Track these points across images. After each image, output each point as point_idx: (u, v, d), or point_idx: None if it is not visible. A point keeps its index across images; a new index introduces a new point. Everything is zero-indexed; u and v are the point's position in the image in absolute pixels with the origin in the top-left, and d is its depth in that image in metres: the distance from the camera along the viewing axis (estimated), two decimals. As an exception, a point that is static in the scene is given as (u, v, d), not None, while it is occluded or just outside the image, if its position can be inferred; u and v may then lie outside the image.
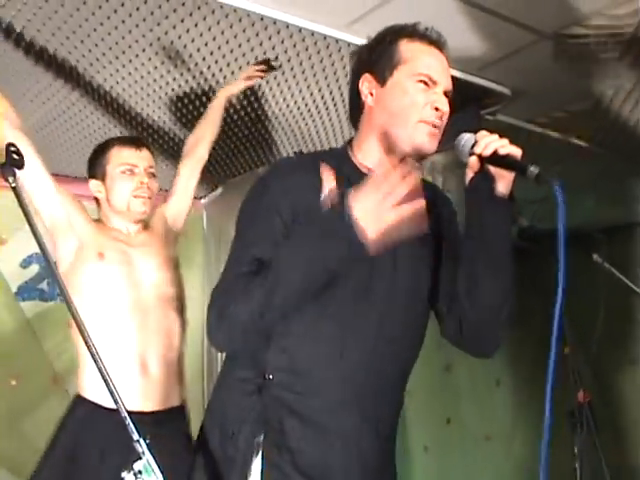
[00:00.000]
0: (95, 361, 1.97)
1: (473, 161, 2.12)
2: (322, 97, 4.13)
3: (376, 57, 2.29)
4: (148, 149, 3.48)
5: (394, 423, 2.41)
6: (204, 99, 4.05)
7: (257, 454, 2.12)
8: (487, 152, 2.10)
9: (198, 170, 3.76)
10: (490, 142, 2.10)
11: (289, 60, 3.66)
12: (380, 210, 1.88)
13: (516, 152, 2.10)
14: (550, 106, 4.34)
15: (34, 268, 4.99)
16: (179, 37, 3.42)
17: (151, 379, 3.27)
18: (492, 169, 2.14)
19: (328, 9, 3.26)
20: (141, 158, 3.39)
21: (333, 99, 4.17)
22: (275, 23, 3.33)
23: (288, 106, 4.21)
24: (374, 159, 2.28)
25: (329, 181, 2.04)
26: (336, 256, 1.95)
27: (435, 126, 2.21)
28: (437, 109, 2.20)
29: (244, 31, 3.40)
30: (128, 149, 3.40)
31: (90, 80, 3.83)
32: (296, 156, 2.65)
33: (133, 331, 3.30)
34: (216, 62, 3.67)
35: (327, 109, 4.31)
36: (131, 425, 1.92)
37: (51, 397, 4.92)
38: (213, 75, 3.81)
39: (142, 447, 1.89)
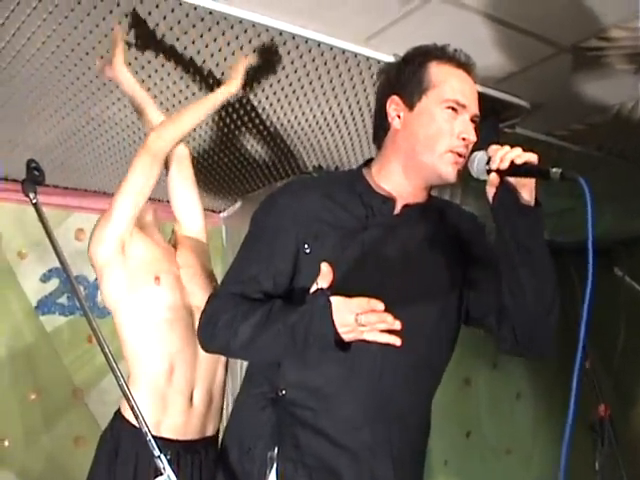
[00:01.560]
0: (116, 377, 1.98)
1: (493, 177, 2.13)
2: (341, 111, 4.13)
3: (405, 79, 2.28)
4: None
5: (415, 450, 2.39)
6: (223, 114, 4.05)
7: (271, 468, 2.12)
8: (504, 165, 2.09)
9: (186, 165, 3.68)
10: (505, 154, 2.10)
11: (308, 74, 3.66)
12: (355, 327, 1.89)
13: (532, 158, 2.10)
14: (569, 118, 4.32)
15: (54, 282, 5.02)
16: (198, 52, 3.43)
17: (194, 411, 3.21)
18: (512, 180, 2.14)
19: (347, 24, 3.26)
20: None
21: (352, 113, 4.17)
22: (294, 38, 3.34)
23: (307, 120, 4.21)
24: (394, 183, 2.29)
25: (327, 275, 1.99)
26: (304, 343, 1.99)
27: (461, 155, 2.22)
28: (464, 139, 2.21)
29: (264, 46, 3.41)
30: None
31: (108, 96, 3.84)
32: (310, 177, 2.60)
33: (185, 363, 3.22)
34: (222, 74, 3.66)
35: (346, 123, 4.31)
36: (152, 441, 1.93)
37: (71, 411, 4.95)
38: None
39: (163, 463, 1.89)
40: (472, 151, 2.23)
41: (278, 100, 3.94)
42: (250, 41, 3.35)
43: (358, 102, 4.03)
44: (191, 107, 3.34)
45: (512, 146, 2.14)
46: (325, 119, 4.23)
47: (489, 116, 4.12)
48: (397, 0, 3.05)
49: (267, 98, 3.90)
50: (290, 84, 3.75)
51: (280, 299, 2.14)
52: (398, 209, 2.30)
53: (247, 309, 2.12)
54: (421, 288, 2.25)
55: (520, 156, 2.08)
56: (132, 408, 1.97)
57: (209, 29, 3.24)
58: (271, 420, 2.20)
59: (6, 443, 4.69)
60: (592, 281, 1.90)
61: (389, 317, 1.86)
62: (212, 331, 2.17)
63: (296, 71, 3.64)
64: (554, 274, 2.20)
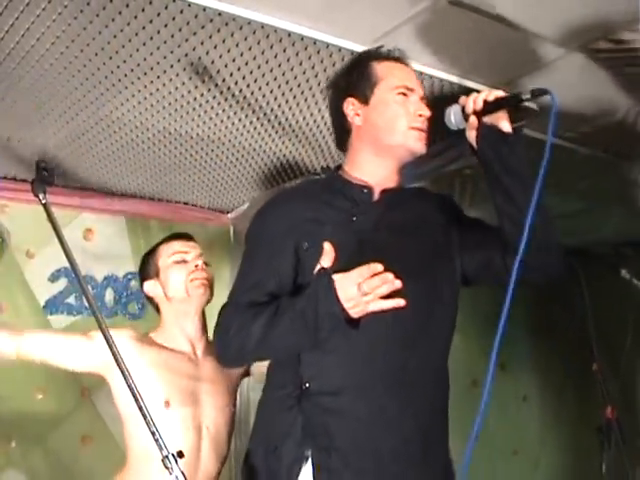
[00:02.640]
0: (125, 377, 1.99)
1: (472, 120, 2.37)
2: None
3: (355, 81, 2.53)
4: (195, 241, 3.47)
5: (436, 409, 2.64)
6: (231, 114, 4.06)
7: (306, 462, 2.16)
8: (479, 106, 2.35)
9: None
10: (476, 98, 2.36)
11: (316, 76, 3.67)
12: (360, 299, 2.08)
13: (500, 93, 2.39)
14: (577, 121, 4.31)
15: (62, 282, 5.02)
16: (207, 53, 3.43)
17: None
18: (489, 118, 2.38)
19: (356, 25, 3.27)
20: (191, 247, 3.38)
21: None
22: (302, 39, 3.34)
23: (315, 121, 4.21)
24: (369, 173, 2.51)
25: (329, 253, 2.16)
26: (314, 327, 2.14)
27: (422, 130, 2.50)
28: (420, 115, 2.50)
29: (271, 47, 3.41)
30: (177, 241, 3.40)
31: (117, 96, 3.85)
32: (291, 187, 2.88)
33: None
34: (243, 78, 3.68)
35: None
36: (160, 440, 1.93)
37: (78, 411, 4.95)
38: (240, 91, 3.82)
39: (171, 463, 1.90)
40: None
41: (287, 101, 3.94)
42: (259, 42, 3.35)
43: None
44: None
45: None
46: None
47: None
48: (406, 1, 3.05)
49: (275, 99, 3.91)
50: (299, 85, 3.76)
51: (286, 296, 2.28)
52: (377, 195, 2.51)
53: (256, 311, 2.27)
54: (417, 261, 2.42)
55: (489, 94, 2.35)
56: (140, 408, 1.98)
57: (218, 30, 3.25)
58: (300, 417, 2.29)
59: (13, 444, 4.69)
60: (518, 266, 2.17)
61: (389, 275, 2.03)
62: (225, 339, 2.31)
63: (305, 72, 3.64)
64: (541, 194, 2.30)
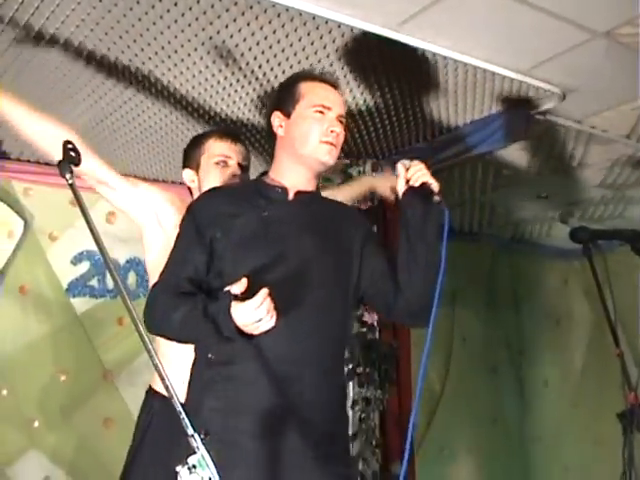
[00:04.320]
0: (151, 357, 2.00)
1: (401, 185, 2.66)
2: (372, 97, 4.15)
3: (281, 97, 2.77)
4: (243, 144, 3.48)
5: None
6: (255, 98, 4.07)
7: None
8: (407, 178, 2.64)
9: None
10: (409, 173, 2.62)
11: (340, 59, 3.68)
12: (251, 325, 2.35)
13: (425, 179, 2.60)
14: (601, 106, 4.30)
15: (85, 265, 5.06)
16: (231, 36, 3.45)
17: None
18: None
19: (380, 9, 3.27)
20: (236, 152, 3.37)
21: (383, 99, 4.18)
22: (327, 22, 3.35)
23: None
24: (287, 177, 2.74)
25: (242, 285, 2.38)
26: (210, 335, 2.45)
27: (332, 144, 2.68)
28: (332, 131, 2.67)
29: (296, 30, 3.42)
30: (224, 142, 3.39)
31: (142, 79, 3.87)
32: (220, 186, 3.12)
33: None
34: (267, 61, 3.69)
35: (378, 109, 4.33)
36: (186, 419, 1.94)
37: (100, 392, 4.99)
38: (264, 74, 3.83)
39: (197, 442, 1.91)
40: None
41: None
42: (283, 25, 3.37)
43: (392, 88, 4.04)
44: None
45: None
46: (357, 104, 4.25)
47: (521, 102, 4.15)
48: (431, -16, 3.05)
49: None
50: (322, 68, 3.73)
51: (202, 295, 2.57)
52: (291, 196, 2.73)
53: (177, 302, 2.55)
54: (317, 255, 2.66)
55: (417, 180, 2.60)
56: (167, 388, 1.99)
57: (242, 13, 3.26)
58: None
59: (36, 424, 4.74)
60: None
61: (263, 307, 2.31)
62: (151, 316, 2.58)
63: (328, 56, 3.66)
64: (439, 252, 2.55)
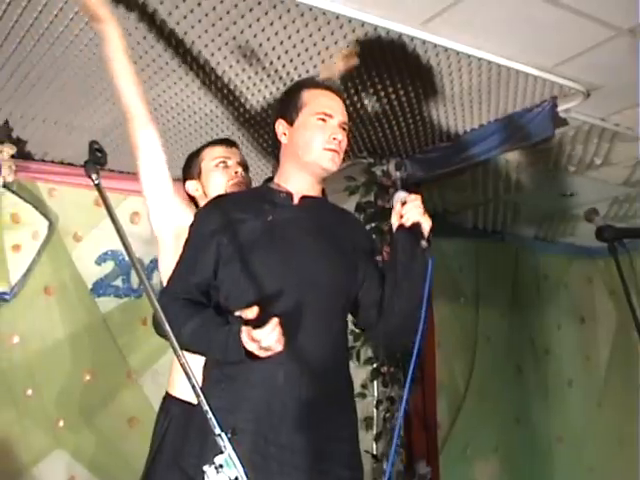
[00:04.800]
0: (177, 356, 2.00)
1: (397, 217, 2.66)
2: (396, 95, 4.14)
3: (285, 105, 2.83)
4: (238, 148, 3.52)
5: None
6: (278, 97, 4.06)
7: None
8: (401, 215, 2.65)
9: None
10: (406, 213, 2.62)
11: (364, 59, 3.66)
12: (259, 350, 2.40)
13: (416, 219, 2.60)
14: (625, 103, 4.27)
15: (109, 265, 5.08)
16: (254, 35, 3.45)
17: None
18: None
19: (403, 7, 3.27)
20: (232, 153, 3.44)
21: (407, 97, 4.17)
22: (350, 21, 3.35)
23: (364, 105, 4.23)
24: (292, 183, 2.79)
25: (254, 312, 2.43)
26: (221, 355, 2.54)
27: (335, 151, 2.74)
28: (335, 138, 2.72)
29: (319, 29, 3.42)
30: (219, 146, 3.45)
31: (165, 80, 3.88)
32: (226, 194, 3.16)
33: None
34: (291, 60, 3.70)
35: (401, 108, 4.32)
36: (212, 419, 1.94)
37: (125, 392, 5.01)
38: (288, 74, 3.84)
39: (224, 441, 1.91)
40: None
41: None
42: (307, 25, 3.37)
43: (414, 86, 4.05)
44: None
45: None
46: (380, 103, 4.24)
47: (545, 100, 4.14)
48: (455, -18, 3.04)
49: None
50: (361, 71, 3.78)
51: (211, 310, 2.66)
52: (296, 200, 2.78)
53: (188, 314, 2.62)
54: (320, 258, 2.72)
55: (409, 219, 2.60)
56: (193, 387, 1.99)
57: (265, 12, 3.27)
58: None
59: (61, 423, 4.76)
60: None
61: (273, 335, 2.37)
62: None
63: (364, 58, 3.66)
64: (423, 288, 2.58)
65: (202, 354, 2.70)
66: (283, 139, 2.80)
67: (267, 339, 2.37)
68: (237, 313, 2.49)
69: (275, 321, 2.36)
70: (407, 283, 2.66)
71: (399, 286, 2.70)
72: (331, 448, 2.63)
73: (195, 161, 3.44)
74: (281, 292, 2.59)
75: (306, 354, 2.60)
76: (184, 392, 3.08)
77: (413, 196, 2.65)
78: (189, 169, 3.47)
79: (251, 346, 2.40)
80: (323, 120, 2.73)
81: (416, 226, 2.59)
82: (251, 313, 2.43)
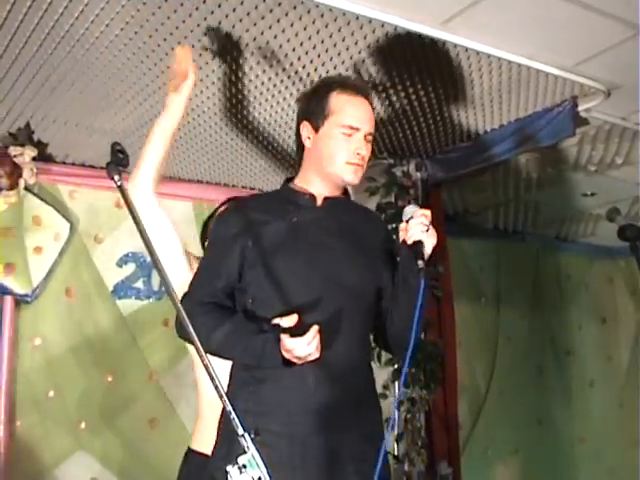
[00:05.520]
0: (200, 357, 2.01)
1: (402, 231, 2.67)
2: (416, 96, 4.14)
3: (312, 108, 2.78)
4: None
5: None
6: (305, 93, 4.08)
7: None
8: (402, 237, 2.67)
9: None
10: (408, 232, 2.62)
11: (384, 59, 3.68)
12: (296, 359, 2.44)
13: (418, 237, 2.60)
14: (646, 102, 4.26)
15: (130, 267, 5.10)
16: (275, 37, 3.46)
17: None
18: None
19: (423, 8, 3.26)
20: None
21: (427, 98, 4.16)
22: (370, 22, 3.34)
23: (383, 105, 4.22)
24: (314, 186, 2.79)
25: (292, 320, 2.45)
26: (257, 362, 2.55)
27: (357, 165, 2.72)
28: (358, 154, 2.70)
29: (339, 30, 3.42)
30: None
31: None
32: (245, 196, 3.16)
33: None
34: (311, 61, 3.70)
35: (422, 108, 4.31)
36: (236, 419, 1.94)
37: (146, 393, 5.01)
38: (308, 75, 3.85)
39: (247, 442, 1.91)
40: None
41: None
42: (327, 26, 3.37)
43: (434, 87, 4.05)
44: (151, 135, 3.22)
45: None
46: (401, 104, 4.24)
47: (566, 100, 4.12)
48: (475, -18, 3.03)
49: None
50: (366, 69, 3.76)
51: (241, 315, 2.67)
52: (320, 202, 2.79)
53: (217, 320, 2.62)
54: (347, 259, 2.73)
55: (411, 237, 2.60)
56: (216, 388, 1.99)
57: (286, 14, 3.28)
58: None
59: (82, 425, 4.77)
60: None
61: (312, 344, 2.41)
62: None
63: (372, 55, 3.66)
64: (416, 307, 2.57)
65: (231, 359, 2.71)
66: (307, 143, 2.78)
67: (307, 348, 2.40)
68: (276, 320, 2.49)
69: (315, 329, 2.39)
70: (404, 299, 2.68)
71: (397, 300, 2.73)
72: (363, 447, 2.64)
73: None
74: (308, 296, 2.60)
75: (334, 357, 2.58)
76: (205, 444, 3.03)
77: (420, 211, 2.65)
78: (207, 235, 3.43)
79: (289, 354, 2.43)
80: (349, 135, 2.70)
81: (416, 244, 2.59)
82: (290, 321, 2.45)
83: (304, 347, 2.39)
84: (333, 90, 2.75)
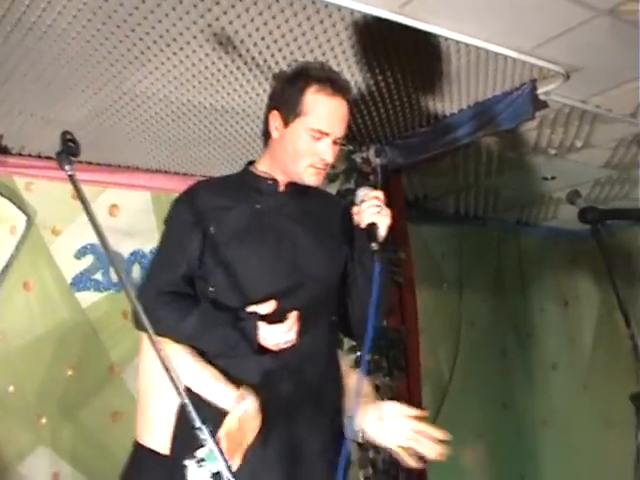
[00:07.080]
0: (156, 350, 1.97)
1: (357, 216, 2.64)
2: (374, 81, 4.14)
3: (286, 99, 2.69)
4: None
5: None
6: (256, 86, 4.08)
7: None
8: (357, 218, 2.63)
9: None
10: (363, 211, 2.60)
11: (341, 44, 3.67)
12: (270, 345, 2.50)
13: (370, 219, 2.58)
14: (605, 85, 4.26)
15: (89, 259, 5.03)
16: (230, 22, 3.42)
17: None
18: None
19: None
20: None
21: (385, 83, 4.17)
22: (327, 6, 3.32)
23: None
24: (277, 174, 2.76)
25: (269, 307, 2.50)
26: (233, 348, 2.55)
27: (320, 169, 2.70)
28: (322, 159, 2.67)
29: (295, 15, 3.39)
30: None
31: (140, 70, 3.83)
32: (205, 180, 3.19)
33: None
34: (267, 47, 3.68)
35: (380, 94, 4.33)
36: (192, 412, 1.91)
37: (107, 386, 4.98)
38: (265, 61, 3.82)
39: (204, 434, 1.88)
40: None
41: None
42: (282, 11, 3.35)
43: (393, 71, 4.03)
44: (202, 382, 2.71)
45: None
46: (359, 89, 4.23)
47: (525, 83, 4.12)
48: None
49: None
50: (323, 54, 3.76)
51: (208, 304, 2.64)
52: (282, 188, 2.78)
53: (183, 311, 2.61)
54: (311, 245, 2.73)
55: (363, 219, 2.58)
56: (172, 379, 1.95)
57: (255, 3, 3.27)
58: None
59: (43, 420, 4.72)
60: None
61: (292, 330, 2.48)
62: (154, 322, 2.22)
63: (329, 40, 3.66)
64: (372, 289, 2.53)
65: (200, 347, 2.63)
66: (274, 133, 2.71)
67: (286, 335, 2.45)
68: (252, 308, 2.51)
69: (294, 315, 2.44)
70: (363, 282, 2.65)
71: (356, 284, 2.74)
72: (326, 436, 2.66)
73: None
74: (273, 285, 2.60)
75: (301, 346, 2.57)
76: (154, 439, 2.92)
77: (372, 193, 2.62)
78: None
79: (266, 341, 2.47)
80: (317, 138, 2.64)
81: (370, 227, 2.56)
82: (268, 308, 2.48)
83: (284, 334, 2.44)
84: (310, 86, 2.66)
